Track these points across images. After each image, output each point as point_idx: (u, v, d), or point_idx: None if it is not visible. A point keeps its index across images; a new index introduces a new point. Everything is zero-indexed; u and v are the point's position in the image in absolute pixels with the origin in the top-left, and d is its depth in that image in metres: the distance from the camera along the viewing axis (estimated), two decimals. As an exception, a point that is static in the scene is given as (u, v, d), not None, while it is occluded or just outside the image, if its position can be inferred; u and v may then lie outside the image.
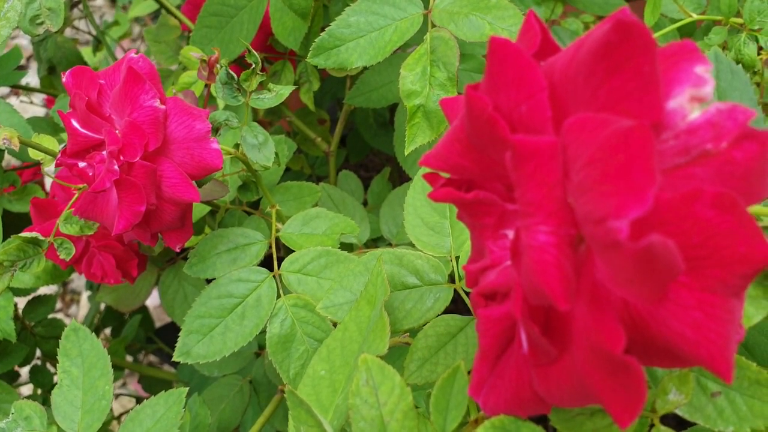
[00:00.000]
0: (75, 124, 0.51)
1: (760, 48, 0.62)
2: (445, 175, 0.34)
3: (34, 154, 0.58)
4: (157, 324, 1.17)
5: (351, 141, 1.06)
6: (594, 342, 0.26)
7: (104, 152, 0.50)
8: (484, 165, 0.31)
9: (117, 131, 0.50)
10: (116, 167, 0.49)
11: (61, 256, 0.57)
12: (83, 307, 1.73)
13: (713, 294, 0.25)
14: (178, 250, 0.57)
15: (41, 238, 0.56)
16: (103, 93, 0.51)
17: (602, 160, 0.24)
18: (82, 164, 0.51)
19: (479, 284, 0.33)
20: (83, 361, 0.55)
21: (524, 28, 0.31)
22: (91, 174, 0.51)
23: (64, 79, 0.52)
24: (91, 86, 0.51)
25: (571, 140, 0.26)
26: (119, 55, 1.46)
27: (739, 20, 0.62)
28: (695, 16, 0.64)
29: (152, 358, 1.40)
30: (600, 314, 0.26)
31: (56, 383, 0.88)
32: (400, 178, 1.02)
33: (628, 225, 0.23)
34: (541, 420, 0.35)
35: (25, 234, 0.56)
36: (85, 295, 1.73)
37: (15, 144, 0.49)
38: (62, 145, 0.65)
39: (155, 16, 1.76)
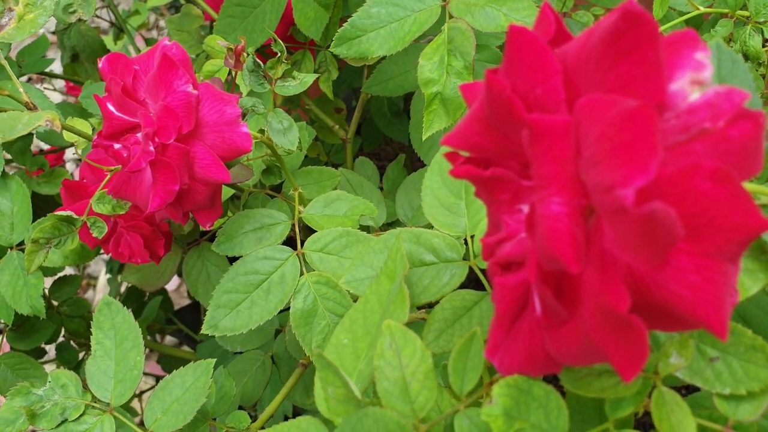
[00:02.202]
0: (110, 107, 0.54)
1: (765, 40, 0.64)
2: (464, 154, 0.37)
3: (68, 136, 0.61)
4: (175, 306, 1.20)
5: (365, 130, 1.08)
6: (601, 302, 0.29)
7: (139, 134, 0.53)
8: (501, 144, 0.34)
9: (151, 114, 0.53)
10: (151, 148, 0.51)
11: (94, 234, 0.60)
12: (100, 291, 1.76)
13: (710, 259, 0.28)
14: (208, 228, 0.60)
15: (75, 216, 0.59)
16: (138, 78, 0.54)
17: (611, 135, 0.27)
18: (117, 146, 0.54)
19: (495, 255, 0.35)
20: (116, 333, 0.58)
21: (540, 17, 0.33)
22: (125, 155, 0.54)
23: (100, 65, 0.55)
24: (127, 72, 0.54)
25: (583, 119, 0.29)
26: (139, 44, 1.49)
27: (745, 13, 0.64)
28: (703, 9, 0.66)
29: (169, 340, 1.43)
30: (607, 277, 0.29)
31: (81, 360, 0.92)
32: (413, 165, 1.04)
33: (633, 192, 0.25)
34: (552, 381, 0.37)
35: (59, 212, 0.59)
36: (102, 279, 1.77)
37: (57, 126, 0.52)
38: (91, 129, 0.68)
39: (171, 6, 1.79)
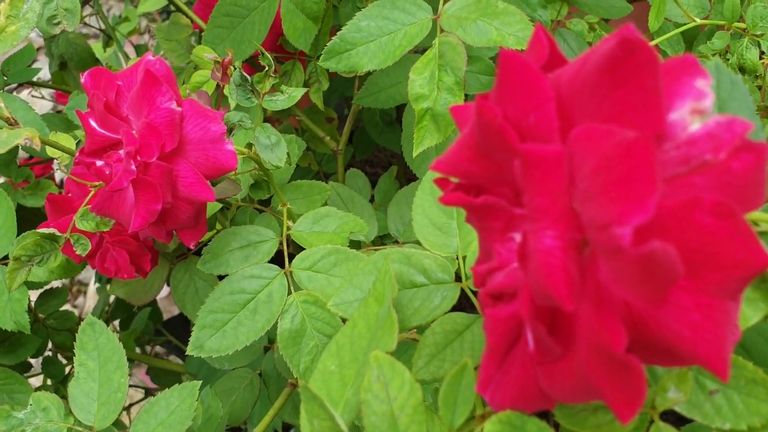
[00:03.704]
0: (93, 123, 0.52)
1: (762, 52, 0.63)
2: (455, 179, 0.35)
3: (51, 152, 0.59)
4: (165, 316, 1.18)
5: (357, 138, 1.07)
6: (597, 341, 0.28)
7: (121, 152, 0.52)
8: (492, 171, 0.33)
9: (134, 132, 0.51)
10: (133, 167, 0.50)
11: (78, 252, 0.58)
12: (90, 298, 1.74)
13: (711, 297, 0.27)
14: (192, 247, 0.58)
15: (58, 234, 0.58)
16: (121, 94, 0.52)
17: (607, 168, 0.25)
18: (99, 163, 0.53)
19: (487, 285, 0.34)
20: (99, 354, 0.56)
21: (533, 40, 0.32)
22: (108, 173, 0.52)
23: (82, 80, 0.53)
24: (109, 87, 0.52)
25: (577, 149, 0.27)
26: (129, 50, 1.48)
27: (742, 25, 0.63)
28: (699, 21, 0.65)
29: (159, 349, 1.41)
30: (603, 315, 0.28)
31: (68, 374, 0.90)
32: (406, 175, 1.03)
33: (631, 231, 0.24)
34: (545, 415, 0.36)
35: (42, 230, 0.58)
36: (92, 286, 1.75)
37: (36, 144, 0.50)
38: (76, 141, 0.67)
39: (163, 11, 1.78)
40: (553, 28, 0.83)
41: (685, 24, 0.66)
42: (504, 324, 0.33)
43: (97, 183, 0.57)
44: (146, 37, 2.05)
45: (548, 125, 0.29)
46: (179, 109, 0.51)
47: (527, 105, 0.29)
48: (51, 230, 0.57)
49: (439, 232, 0.50)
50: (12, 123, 0.55)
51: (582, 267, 0.29)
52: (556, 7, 0.83)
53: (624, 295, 0.27)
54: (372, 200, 0.87)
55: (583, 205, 0.27)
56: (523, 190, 0.29)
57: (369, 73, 0.78)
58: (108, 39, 1.18)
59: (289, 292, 0.59)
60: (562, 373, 0.30)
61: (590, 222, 0.26)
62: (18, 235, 0.70)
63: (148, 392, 1.19)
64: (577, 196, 0.27)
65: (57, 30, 0.66)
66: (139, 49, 1.30)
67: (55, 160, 1.12)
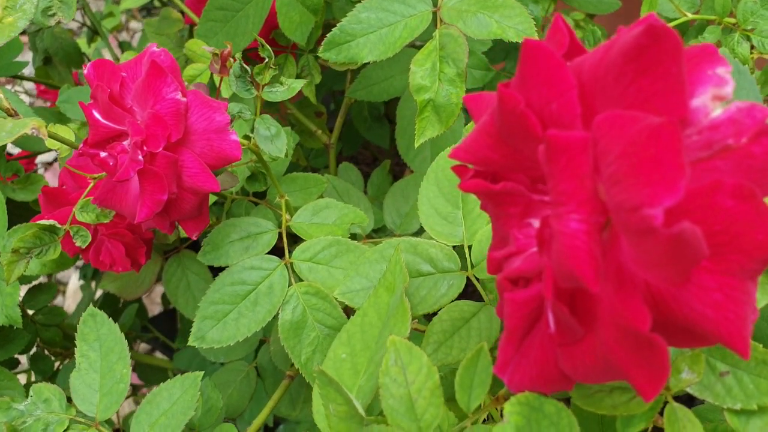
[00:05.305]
0: (97, 115, 0.52)
1: (752, 47, 0.64)
2: (470, 166, 0.36)
3: (51, 143, 0.59)
4: (150, 313, 1.18)
5: (345, 134, 1.07)
6: (621, 321, 0.28)
7: (125, 143, 0.52)
8: (511, 158, 0.33)
9: (139, 122, 0.51)
10: (140, 157, 0.50)
11: (77, 244, 0.58)
12: (69, 297, 1.73)
13: (732, 277, 0.28)
14: (194, 238, 0.58)
15: (58, 225, 0.58)
16: (125, 85, 0.52)
17: (634, 153, 0.26)
18: (103, 154, 0.53)
19: (504, 270, 0.35)
20: (101, 345, 0.56)
21: (553, 30, 0.33)
22: (112, 164, 0.52)
23: (85, 71, 0.53)
24: (113, 79, 0.52)
25: (602, 135, 0.28)
26: (112, 45, 1.47)
27: (733, 20, 0.64)
28: (690, 16, 0.67)
29: (143, 346, 1.41)
30: (626, 295, 0.28)
31: (56, 370, 0.90)
32: (394, 170, 1.04)
33: (662, 213, 0.25)
34: (562, 398, 0.37)
35: (42, 222, 0.57)
36: (72, 285, 1.74)
37: (43, 134, 0.50)
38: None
39: (143, 8, 1.77)
40: (543, 24, 0.84)
41: (676, 18, 0.67)
42: (523, 307, 0.33)
43: (96, 175, 0.57)
44: (125, 34, 2.04)
45: (570, 112, 0.30)
46: (184, 99, 0.51)
47: (550, 93, 0.30)
48: (51, 222, 0.57)
49: (445, 221, 0.51)
50: (12, 114, 0.55)
51: (603, 249, 0.29)
52: (545, 4, 0.84)
53: (647, 276, 0.28)
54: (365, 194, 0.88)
55: (610, 188, 0.27)
56: (547, 175, 0.30)
57: (361, 67, 0.79)
58: (93, 34, 1.18)
59: (290, 284, 0.59)
60: (582, 353, 0.31)
61: (618, 205, 0.27)
62: (8, 229, 0.70)
63: (135, 389, 1.18)
64: (603, 180, 0.28)
65: (52, 22, 0.66)
66: (123, 46, 1.29)
67: (38, 157, 1.11)
